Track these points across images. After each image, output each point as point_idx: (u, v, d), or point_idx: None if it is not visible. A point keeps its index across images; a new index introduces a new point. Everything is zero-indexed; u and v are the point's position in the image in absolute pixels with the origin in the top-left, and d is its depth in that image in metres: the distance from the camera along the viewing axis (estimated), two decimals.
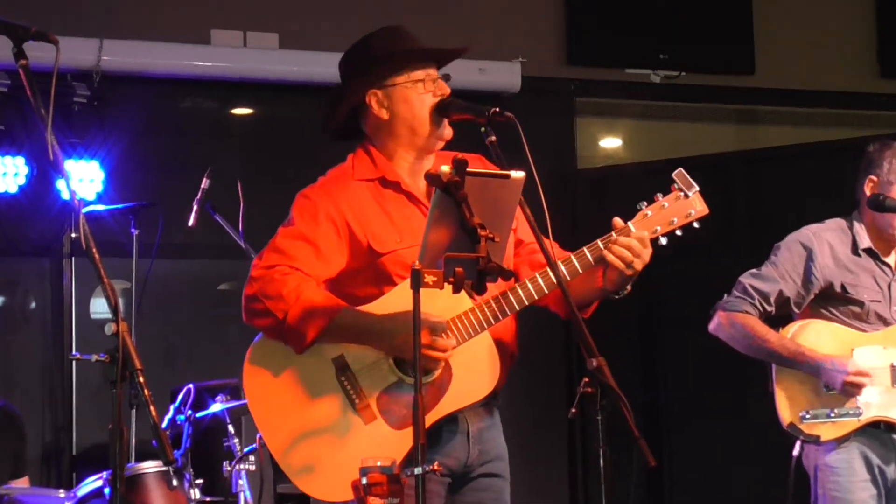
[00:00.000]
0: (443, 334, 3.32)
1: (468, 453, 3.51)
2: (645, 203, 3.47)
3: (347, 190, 3.53)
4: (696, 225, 3.50)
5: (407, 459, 3.29)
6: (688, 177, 3.49)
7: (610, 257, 3.37)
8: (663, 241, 3.48)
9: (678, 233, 3.49)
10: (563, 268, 3.36)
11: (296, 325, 3.38)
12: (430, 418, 3.32)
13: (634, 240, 3.38)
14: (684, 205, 3.47)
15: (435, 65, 3.57)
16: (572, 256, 3.40)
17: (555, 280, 3.30)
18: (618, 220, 3.45)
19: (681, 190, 3.47)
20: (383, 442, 3.38)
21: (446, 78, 3.56)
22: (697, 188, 3.49)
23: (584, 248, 3.42)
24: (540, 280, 3.40)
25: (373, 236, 3.48)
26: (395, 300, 3.39)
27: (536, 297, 3.41)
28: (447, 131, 3.54)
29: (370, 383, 3.43)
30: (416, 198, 3.55)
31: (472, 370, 3.41)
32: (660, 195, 3.48)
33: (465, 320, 3.39)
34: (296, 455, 3.43)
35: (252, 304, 3.44)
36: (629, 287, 3.47)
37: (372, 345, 3.41)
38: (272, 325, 3.41)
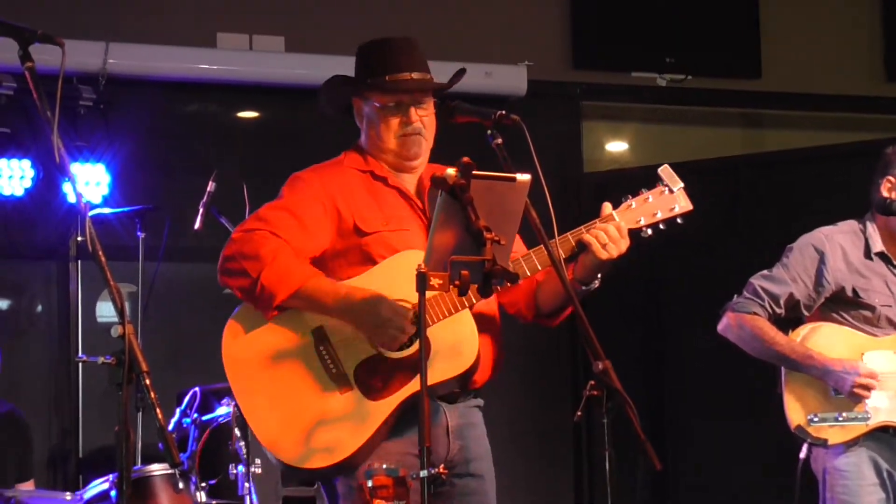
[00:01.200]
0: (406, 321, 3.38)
1: (448, 448, 3.54)
2: (630, 196, 3.59)
3: (340, 174, 3.62)
4: (679, 221, 3.60)
5: (378, 431, 3.38)
6: (673, 173, 3.62)
7: (587, 236, 3.48)
8: (648, 232, 3.59)
9: (661, 227, 3.59)
10: (546, 252, 3.40)
11: (268, 285, 3.41)
12: (408, 391, 3.39)
13: (612, 226, 3.49)
14: (668, 200, 3.59)
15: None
16: (556, 241, 3.45)
17: (538, 265, 3.45)
18: (607, 205, 3.56)
19: (665, 186, 3.60)
20: (357, 411, 3.42)
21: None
22: (682, 185, 3.61)
23: (568, 234, 3.51)
24: (523, 263, 3.47)
25: (359, 217, 3.54)
26: (377, 277, 3.46)
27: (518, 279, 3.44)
28: (410, 163, 3.61)
29: (348, 355, 3.46)
30: (406, 193, 3.63)
31: (451, 346, 3.46)
32: (644, 189, 3.61)
33: (447, 297, 3.42)
34: (267, 418, 3.46)
35: (228, 263, 3.49)
36: (598, 282, 3.56)
37: (338, 318, 3.44)
38: (245, 285, 3.45)
